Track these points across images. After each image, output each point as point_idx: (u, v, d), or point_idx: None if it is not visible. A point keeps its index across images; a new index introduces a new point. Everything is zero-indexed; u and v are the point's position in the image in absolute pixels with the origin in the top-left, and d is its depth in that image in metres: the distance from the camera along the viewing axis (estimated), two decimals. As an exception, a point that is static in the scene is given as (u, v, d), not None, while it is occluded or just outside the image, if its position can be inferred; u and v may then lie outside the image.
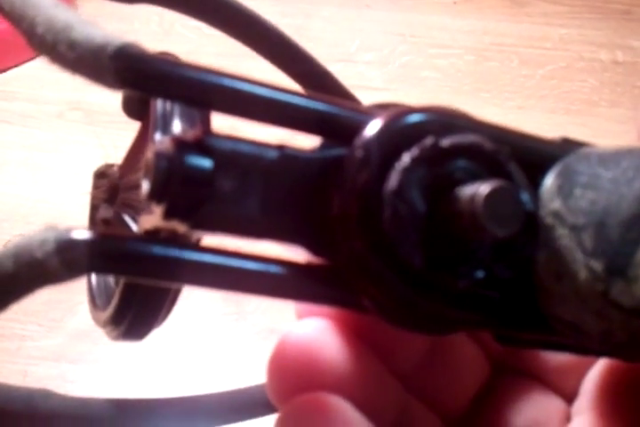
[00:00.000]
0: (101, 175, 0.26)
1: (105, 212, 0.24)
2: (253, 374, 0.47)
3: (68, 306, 0.51)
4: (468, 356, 0.19)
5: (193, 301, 0.49)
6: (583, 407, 0.18)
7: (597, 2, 0.85)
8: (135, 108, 0.23)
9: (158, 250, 0.13)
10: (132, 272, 0.13)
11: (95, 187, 0.26)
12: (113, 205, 0.24)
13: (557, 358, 0.19)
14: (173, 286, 0.17)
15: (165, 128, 0.18)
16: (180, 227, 0.13)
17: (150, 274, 0.13)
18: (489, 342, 0.17)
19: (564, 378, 0.19)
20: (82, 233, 0.12)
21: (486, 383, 0.19)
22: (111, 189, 0.24)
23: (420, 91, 0.72)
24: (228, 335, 0.50)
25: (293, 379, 0.16)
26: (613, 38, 0.79)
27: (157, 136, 0.18)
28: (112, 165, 0.26)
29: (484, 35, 0.80)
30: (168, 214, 0.13)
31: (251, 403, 0.26)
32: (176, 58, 0.22)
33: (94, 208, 0.25)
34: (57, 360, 0.48)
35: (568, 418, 0.19)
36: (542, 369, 0.19)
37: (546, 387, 0.19)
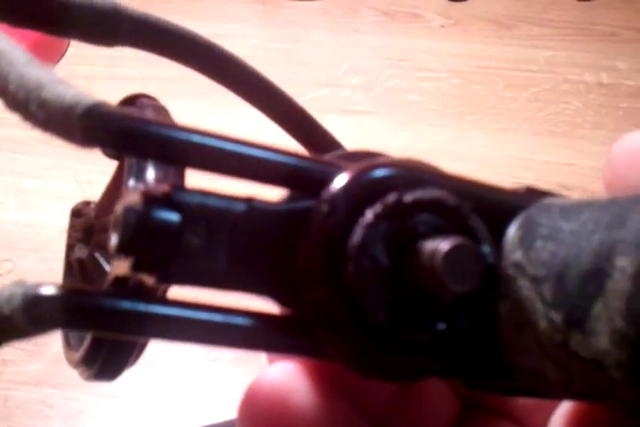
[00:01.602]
0: (78, 214, 0.26)
1: (80, 252, 0.25)
2: (229, 401, 0.47)
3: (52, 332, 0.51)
4: (437, 394, 0.19)
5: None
6: None
7: (584, 24, 0.86)
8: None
9: (125, 305, 0.13)
10: (100, 328, 0.14)
11: (71, 226, 0.27)
12: (88, 246, 0.24)
13: (524, 399, 0.19)
14: (140, 339, 0.17)
15: (139, 175, 0.19)
16: (149, 279, 0.14)
17: (117, 329, 0.14)
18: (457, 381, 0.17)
19: (533, 415, 0.20)
20: (49, 289, 0.13)
21: (456, 421, 0.20)
22: (86, 228, 0.25)
23: (405, 114, 0.73)
24: (205, 362, 0.50)
25: (264, 424, 0.16)
26: (599, 60, 0.79)
27: (131, 183, 0.19)
28: (89, 203, 0.27)
29: (471, 58, 0.80)
30: (136, 267, 0.13)
31: None
32: (154, 100, 0.22)
33: (70, 247, 0.26)
34: (38, 385, 0.49)
35: None
36: (511, 406, 0.20)
37: (515, 424, 0.20)
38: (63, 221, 0.59)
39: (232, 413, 0.47)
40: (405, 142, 0.71)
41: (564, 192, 0.57)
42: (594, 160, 0.67)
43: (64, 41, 0.84)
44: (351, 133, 0.71)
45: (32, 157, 0.68)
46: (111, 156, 0.24)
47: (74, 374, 0.48)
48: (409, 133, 0.71)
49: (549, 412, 0.19)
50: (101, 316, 0.13)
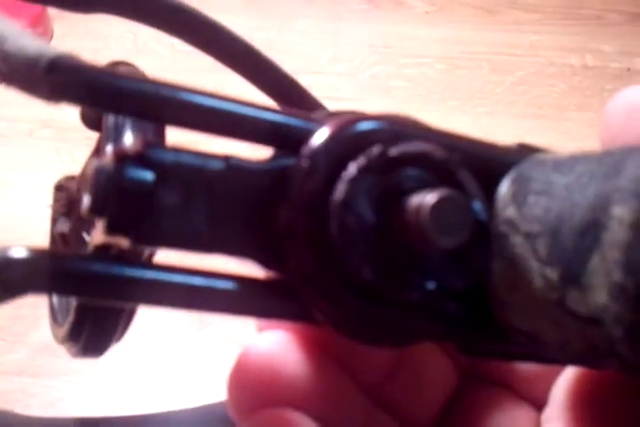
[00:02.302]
0: (60, 188, 0.26)
1: (62, 226, 0.24)
2: (215, 384, 0.47)
3: (32, 321, 0.51)
4: (435, 365, 0.19)
5: (155, 311, 0.49)
6: (553, 415, 0.18)
7: (569, 8, 0.85)
8: (93, 119, 0.23)
9: (99, 268, 0.13)
10: (73, 291, 0.13)
11: (55, 200, 0.26)
12: (70, 219, 0.24)
13: (526, 367, 0.19)
14: (120, 305, 0.17)
15: (117, 140, 0.18)
16: (124, 242, 0.13)
17: (92, 293, 0.13)
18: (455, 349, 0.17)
19: (534, 386, 0.19)
20: (19, 251, 0.12)
21: (455, 393, 0.19)
22: (69, 202, 0.24)
23: (389, 101, 0.72)
24: (189, 345, 0.50)
25: (254, 394, 0.15)
26: (584, 43, 0.79)
27: (109, 148, 0.18)
28: (72, 178, 0.26)
29: (456, 43, 0.80)
30: (109, 229, 0.13)
31: (218, 418, 0.26)
32: (133, 68, 0.22)
33: (54, 222, 0.25)
34: (18, 375, 0.48)
35: (537, 426, 0.19)
36: (511, 377, 0.19)
37: (515, 395, 0.19)
38: (45, 213, 0.59)
39: (215, 394, 0.47)
40: (390, 128, 0.70)
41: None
42: (580, 141, 0.66)
43: (47, 32, 0.84)
44: (336, 121, 0.71)
45: (14, 149, 0.68)
46: (90, 124, 0.24)
47: (53, 364, 0.48)
48: (393, 119, 0.70)
49: (550, 382, 0.19)
50: (74, 279, 0.13)
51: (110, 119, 0.18)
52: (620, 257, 0.12)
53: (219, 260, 0.14)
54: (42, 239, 0.60)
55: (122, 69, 0.22)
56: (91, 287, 0.13)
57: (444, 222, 0.13)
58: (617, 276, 0.12)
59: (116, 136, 0.18)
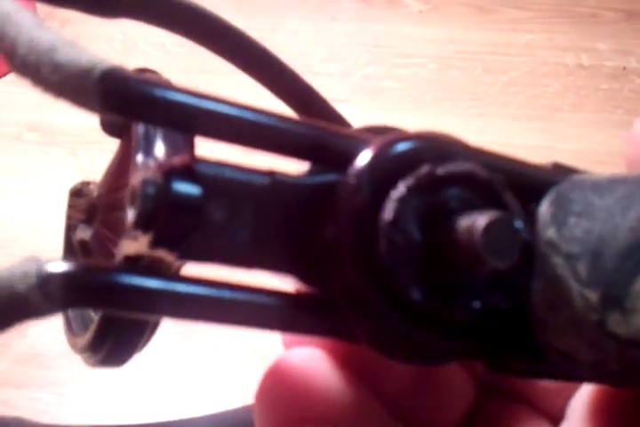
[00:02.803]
0: (78, 194, 0.26)
1: (82, 232, 0.24)
2: (199, 394, 0.46)
3: (17, 330, 0.50)
4: (453, 378, 0.19)
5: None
6: None
7: (564, 6, 0.85)
8: (114, 126, 0.23)
9: (142, 281, 0.13)
10: (116, 305, 0.13)
11: (71, 206, 0.26)
12: (91, 226, 0.23)
13: (546, 381, 0.19)
14: (157, 318, 0.17)
15: (148, 150, 0.18)
16: (167, 256, 0.13)
17: (134, 307, 0.13)
18: (474, 363, 0.17)
19: (551, 399, 0.19)
20: (64, 266, 0.12)
21: (472, 406, 0.19)
22: (90, 208, 0.24)
23: (381, 101, 0.72)
24: (175, 355, 0.49)
25: (287, 409, 0.15)
26: (579, 42, 0.78)
27: (139, 158, 0.18)
28: (89, 183, 0.26)
29: (449, 43, 0.79)
30: (155, 244, 0.12)
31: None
32: (159, 76, 0.21)
33: (70, 228, 0.25)
34: (1, 386, 0.48)
35: None
36: (528, 390, 0.19)
37: (532, 408, 0.19)
38: (31, 219, 0.58)
39: (200, 403, 0.46)
40: (381, 130, 0.70)
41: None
42: (573, 142, 0.65)
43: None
44: (327, 122, 0.70)
45: (1, 153, 0.67)
46: (110, 131, 0.23)
47: (37, 375, 0.48)
48: (385, 120, 0.70)
49: (568, 397, 0.18)
50: (116, 293, 0.12)
51: (140, 128, 0.18)
52: None
53: (259, 276, 0.14)
54: (26, 246, 0.59)
55: (150, 77, 0.21)
56: (134, 302, 0.13)
57: (495, 244, 0.13)
58: None
59: (147, 146, 0.18)
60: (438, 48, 0.78)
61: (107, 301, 0.13)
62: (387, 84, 0.74)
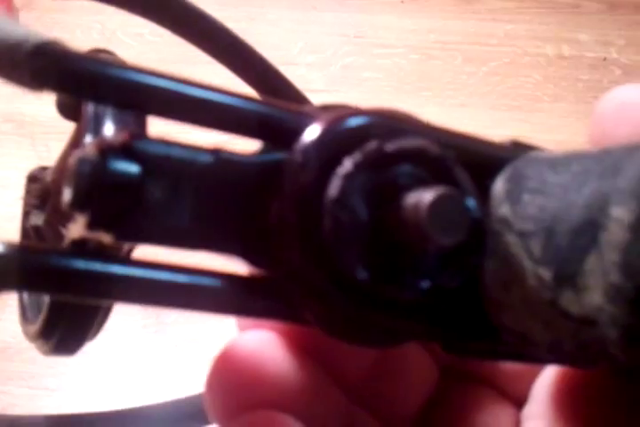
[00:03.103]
0: (33, 179, 0.25)
1: (36, 218, 0.23)
2: (172, 386, 0.46)
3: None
4: (415, 362, 0.19)
5: (112, 313, 0.48)
6: (534, 412, 0.18)
7: (547, -4, 0.84)
8: (70, 109, 0.22)
9: (81, 264, 0.12)
10: (55, 289, 0.13)
11: (27, 191, 0.25)
12: (45, 212, 0.23)
13: (507, 364, 0.19)
14: (100, 302, 0.16)
15: (97, 131, 0.17)
16: (106, 237, 0.12)
17: (74, 291, 0.12)
18: (436, 347, 0.16)
19: (514, 383, 0.19)
20: (0, 247, 0.12)
21: (435, 390, 0.19)
22: (43, 193, 0.23)
23: (361, 91, 0.71)
24: (147, 348, 0.49)
25: (239, 395, 0.15)
26: (560, 32, 0.78)
27: (88, 139, 0.17)
28: (45, 168, 0.25)
29: (429, 33, 0.79)
30: (92, 224, 0.12)
31: (188, 414, 0.26)
32: (114, 56, 0.21)
33: (26, 214, 0.24)
34: (-29, 379, 0.47)
35: (517, 423, 0.18)
36: (491, 374, 0.19)
37: (495, 392, 0.19)
38: (3, 210, 0.57)
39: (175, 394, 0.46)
40: (361, 120, 0.69)
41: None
42: (553, 133, 0.65)
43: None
44: (306, 113, 0.70)
45: (-27, 144, 0.66)
46: (67, 114, 0.23)
47: (6, 368, 0.47)
48: (364, 111, 0.69)
49: (531, 380, 0.18)
50: (57, 276, 0.12)
51: (90, 109, 0.17)
52: (618, 259, 0.12)
53: (204, 257, 0.14)
54: (3, 234, 0.59)
55: (104, 57, 0.21)
56: (71, 285, 0.12)
57: (442, 221, 0.13)
58: (614, 277, 0.12)
59: (96, 126, 0.18)
60: (418, 38, 0.78)
61: (42, 284, 0.12)
62: (367, 75, 0.73)
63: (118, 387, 0.48)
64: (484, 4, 0.83)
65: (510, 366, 0.19)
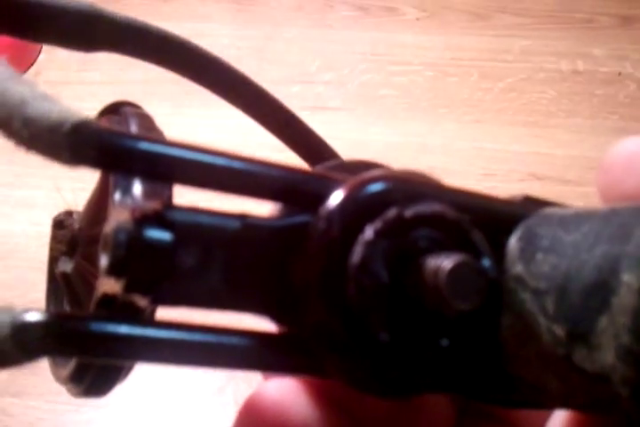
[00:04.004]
0: (60, 225, 0.26)
1: (64, 265, 0.24)
2: (185, 415, 0.47)
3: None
4: (433, 402, 0.19)
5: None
6: None
7: (561, 12, 0.85)
8: None
9: (116, 329, 0.13)
10: (91, 354, 0.13)
11: (54, 237, 0.26)
12: (72, 258, 0.24)
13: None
14: (132, 363, 0.17)
15: (126, 189, 0.18)
16: (141, 300, 0.13)
17: (109, 355, 0.13)
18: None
19: (529, 421, 0.19)
20: (36, 316, 0.12)
21: None
22: (71, 240, 0.24)
23: (378, 109, 0.72)
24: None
25: None
26: (575, 47, 0.78)
27: (117, 196, 0.18)
28: (71, 213, 0.26)
29: (446, 50, 0.80)
30: (128, 289, 0.13)
31: None
32: (137, 108, 0.22)
33: (53, 260, 0.25)
34: (0, 395, 0.48)
35: None
36: (507, 412, 0.19)
37: None
38: (30, 229, 0.59)
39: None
40: (377, 137, 0.70)
41: (536, 182, 0.56)
42: (567, 148, 0.66)
43: (36, 46, 0.84)
44: (323, 130, 0.70)
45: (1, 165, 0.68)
46: None
47: (34, 383, 0.48)
48: (381, 128, 0.70)
49: (546, 417, 0.19)
50: (91, 341, 0.13)
51: None
52: (628, 322, 0.13)
53: (232, 316, 0.14)
54: (25, 255, 0.59)
55: (128, 110, 0.22)
56: (109, 349, 0.13)
57: (460, 287, 0.14)
58: (625, 339, 0.13)
59: (125, 184, 0.18)
60: (435, 55, 0.79)
61: (80, 349, 0.13)
62: (383, 92, 0.74)
63: (143, 404, 0.48)
64: (499, 21, 0.84)
65: None
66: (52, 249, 0.25)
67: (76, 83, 0.79)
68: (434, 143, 0.68)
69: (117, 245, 0.13)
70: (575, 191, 0.62)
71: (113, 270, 0.13)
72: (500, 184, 0.63)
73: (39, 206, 0.63)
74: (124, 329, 0.13)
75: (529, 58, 0.78)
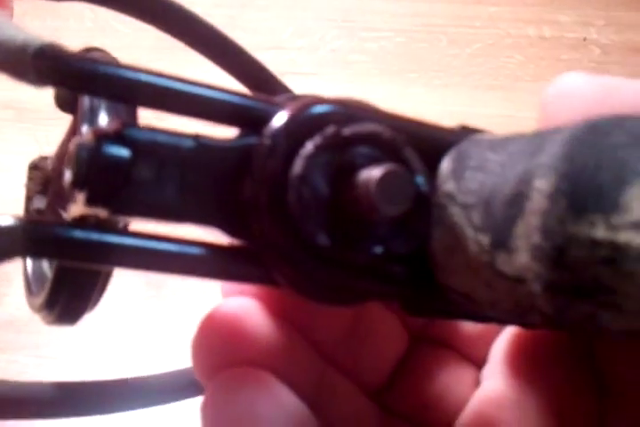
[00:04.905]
0: (35, 167, 0.27)
1: (38, 202, 0.25)
2: (175, 351, 0.48)
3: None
4: (387, 329, 0.20)
5: (116, 286, 0.50)
6: (491, 372, 0.20)
7: (530, -21, 0.86)
8: (67, 103, 0.24)
9: (81, 234, 0.14)
10: (57, 255, 0.14)
11: (29, 178, 0.27)
12: (46, 196, 0.25)
13: (468, 328, 0.21)
14: (99, 268, 0.18)
15: (92, 121, 0.19)
16: (102, 212, 0.14)
17: (75, 257, 0.14)
18: (405, 314, 0.18)
19: (475, 346, 0.21)
20: (10, 219, 0.14)
21: (405, 354, 0.21)
22: (44, 180, 0.25)
23: (348, 74, 0.73)
24: (147, 313, 0.51)
25: (221, 354, 0.17)
26: (541, 14, 0.80)
27: (84, 129, 0.19)
28: (46, 158, 0.27)
29: (415, 16, 0.80)
30: (89, 201, 0.14)
31: (188, 383, 0.27)
32: (106, 53, 0.23)
33: (29, 199, 0.27)
34: (-17, 350, 0.49)
35: (478, 383, 0.20)
36: (455, 339, 0.21)
37: (458, 355, 0.21)
38: (7, 193, 0.59)
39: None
40: (349, 102, 0.71)
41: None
42: (533, 111, 0.67)
43: (8, 11, 0.84)
44: (296, 95, 0.71)
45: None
46: (64, 108, 0.25)
47: (15, 339, 0.49)
48: (351, 93, 0.71)
49: (489, 343, 0.20)
50: (59, 244, 0.14)
51: (85, 102, 0.19)
52: (538, 223, 0.14)
53: (189, 229, 0.16)
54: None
55: (96, 55, 0.23)
56: (74, 252, 0.14)
57: (389, 193, 0.15)
58: (535, 238, 0.14)
59: (92, 117, 0.19)
60: (404, 22, 0.79)
61: (48, 251, 0.14)
62: (354, 58, 0.75)
63: (122, 353, 0.50)
64: (468, -12, 0.85)
65: (471, 331, 0.21)
66: (27, 189, 0.26)
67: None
68: (404, 107, 0.68)
69: (79, 160, 0.14)
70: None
71: (75, 183, 0.14)
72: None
73: (14, 171, 0.64)
74: (86, 234, 0.14)
75: (497, 24, 0.79)
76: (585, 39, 0.76)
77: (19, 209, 0.58)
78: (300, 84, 0.80)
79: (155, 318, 0.52)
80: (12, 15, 0.84)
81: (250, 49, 0.78)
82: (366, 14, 0.82)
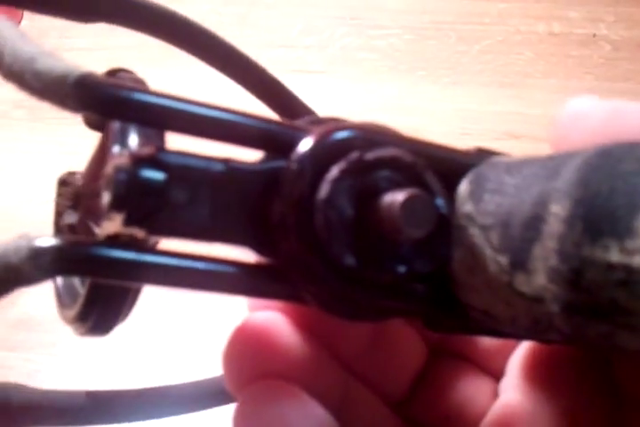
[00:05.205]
0: (64, 183, 0.28)
1: (69, 217, 0.26)
2: (190, 354, 0.48)
3: (8, 298, 0.52)
4: (407, 342, 0.21)
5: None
6: (509, 385, 0.20)
7: (538, -25, 0.86)
8: (95, 121, 0.25)
9: (118, 254, 0.15)
10: (95, 274, 0.15)
11: (59, 194, 0.28)
12: (76, 211, 0.26)
13: (486, 342, 0.21)
14: (132, 285, 0.19)
15: (123, 142, 0.20)
16: (139, 233, 0.15)
17: (110, 275, 0.15)
18: (424, 328, 0.19)
19: (492, 359, 0.21)
20: (51, 240, 0.14)
21: (424, 367, 0.21)
22: (74, 196, 0.26)
23: (357, 72, 0.73)
24: (169, 316, 0.51)
25: (251, 366, 0.17)
26: (551, 10, 0.79)
27: (115, 149, 0.20)
28: (74, 173, 0.28)
29: (424, 13, 0.80)
30: (127, 222, 0.15)
31: (214, 392, 0.27)
32: (133, 74, 0.24)
33: (59, 214, 0.27)
34: (-5, 349, 0.50)
35: (496, 395, 0.21)
36: (473, 352, 0.21)
37: (477, 368, 0.21)
38: (19, 192, 0.59)
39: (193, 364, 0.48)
40: (357, 99, 0.71)
41: (513, 140, 0.58)
42: (543, 108, 0.67)
43: (17, 14, 0.84)
44: (305, 93, 0.71)
45: None
46: (93, 126, 0.26)
47: (29, 337, 0.50)
48: (360, 90, 0.71)
49: (507, 357, 0.21)
50: (97, 263, 0.15)
51: (116, 123, 0.20)
52: (555, 246, 0.14)
53: (221, 249, 0.16)
54: (14, 216, 0.61)
55: (124, 75, 0.24)
56: (111, 271, 0.15)
57: (412, 217, 0.16)
58: (552, 261, 0.14)
59: (123, 138, 0.20)
60: (413, 19, 0.79)
61: (87, 269, 0.15)
62: (363, 56, 0.75)
63: (137, 352, 0.50)
64: (476, -16, 0.85)
65: (489, 345, 0.21)
66: (57, 205, 0.27)
67: (57, 50, 0.80)
68: (413, 105, 0.69)
69: (117, 183, 0.15)
70: (549, 149, 0.63)
71: (114, 206, 0.15)
72: (477, 142, 0.63)
73: (28, 171, 0.64)
74: (125, 254, 0.15)
75: (506, 20, 0.79)
76: (595, 35, 0.76)
77: (31, 208, 0.59)
78: (308, 82, 0.81)
79: (167, 320, 0.52)
80: (22, 15, 0.84)
81: (259, 47, 0.78)
82: (374, 12, 0.82)
